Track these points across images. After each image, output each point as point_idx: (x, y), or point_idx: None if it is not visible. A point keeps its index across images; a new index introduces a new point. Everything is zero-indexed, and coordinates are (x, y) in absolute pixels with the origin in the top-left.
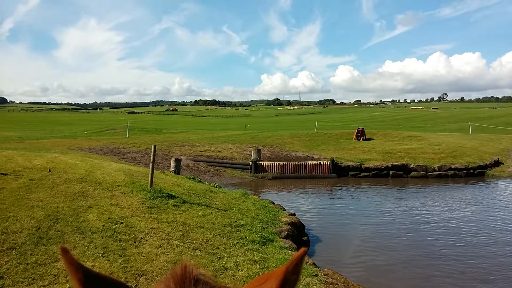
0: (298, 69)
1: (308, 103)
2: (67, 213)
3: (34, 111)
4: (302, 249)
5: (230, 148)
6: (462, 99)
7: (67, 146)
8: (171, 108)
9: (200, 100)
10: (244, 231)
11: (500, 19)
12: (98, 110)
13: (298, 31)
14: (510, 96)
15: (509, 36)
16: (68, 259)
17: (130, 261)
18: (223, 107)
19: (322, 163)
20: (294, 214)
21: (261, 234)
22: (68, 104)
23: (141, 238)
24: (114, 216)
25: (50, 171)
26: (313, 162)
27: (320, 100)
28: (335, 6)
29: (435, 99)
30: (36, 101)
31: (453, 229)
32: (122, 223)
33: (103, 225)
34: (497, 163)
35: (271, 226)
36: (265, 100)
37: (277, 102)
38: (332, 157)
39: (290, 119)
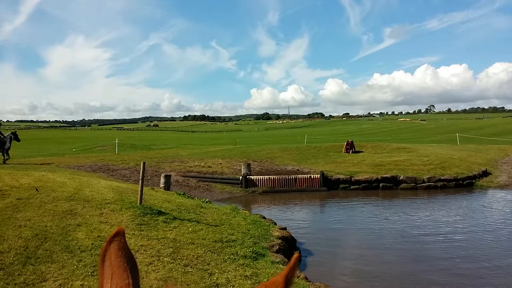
0: (287, 83)
1: (297, 116)
2: (56, 232)
3: (22, 129)
4: (296, 255)
5: (220, 163)
6: (449, 110)
7: (55, 164)
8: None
9: (190, 115)
10: (235, 247)
11: (485, 31)
12: (87, 127)
13: (286, 45)
14: (496, 107)
15: (495, 47)
16: (120, 243)
17: None
18: (212, 122)
19: (312, 177)
20: (285, 228)
21: (252, 249)
22: (56, 121)
23: None
24: (103, 234)
25: (37, 190)
26: (303, 175)
27: (309, 114)
28: (322, 20)
29: (422, 111)
30: (24, 119)
31: (445, 240)
32: None
33: (92, 243)
34: (485, 174)
35: (262, 241)
36: (254, 114)
37: (266, 116)
38: (322, 170)
39: (279, 133)
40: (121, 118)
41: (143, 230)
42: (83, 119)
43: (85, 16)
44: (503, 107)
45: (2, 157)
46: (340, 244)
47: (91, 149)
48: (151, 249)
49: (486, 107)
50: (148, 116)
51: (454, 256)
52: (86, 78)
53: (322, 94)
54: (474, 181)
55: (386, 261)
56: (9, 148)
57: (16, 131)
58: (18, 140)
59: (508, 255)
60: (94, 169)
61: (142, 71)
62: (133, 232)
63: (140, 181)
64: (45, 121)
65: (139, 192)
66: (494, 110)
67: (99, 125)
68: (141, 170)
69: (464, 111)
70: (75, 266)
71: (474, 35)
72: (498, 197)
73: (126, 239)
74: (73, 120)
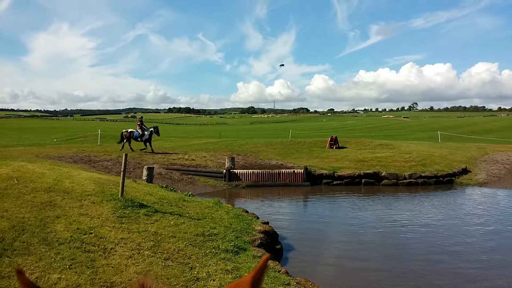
0: (273, 78)
1: (283, 111)
2: (33, 223)
3: (1, 118)
4: (265, 257)
5: (204, 156)
6: (431, 108)
7: (35, 154)
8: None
9: (174, 107)
10: (217, 240)
11: (469, 30)
12: (69, 117)
13: (273, 39)
14: (477, 106)
15: (478, 47)
16: (23, 281)
17: (98, 273)
18: (197, 115)
19: (296, 171)
20: (267, 223)
21: (234, 243)
22: (37, 111)
23: (111, 249)
24: (82, 226)
25: (16, 180)
26: (287, 170)
27: (294, 109)
28: (310, 16)
29: (405, 108)
30: (4, 108)
31: (426, 235)
32: (91, 233)
33: (71, 236)
34: (465, 171)
35: (244, 235)
36: (240, 108)
37: (251, 110)
38: (306, 165)
39: (264, 127)
40: (105, 108)
41: (123, 223)
42: (66, 109)
43: (70, 3)
44: (484, 106)
45: (145, 146)
46: (322, 238)
47: (73, 139)
48: (131, 242)
49: (467, 106)
50: (132, 107)
51: (434, 251)
52: (70, 67)
53: (308, 89)
54: (454, 178)
55: (367, 255)
56: (146, 140)
57: (158, 126)
58: (158, 134)
59: (485, 249)
60: (75, 160)
61: (128, 62)
62: (113, 224)
63: (122, 173)
64: (26, 110)
65: (120, 184)
66: (475, 109)
67: (81, 115)
68: (123, 162)
69: (446, 109)
70: (52, 259)
71: (459, 35)
72: (477, 194)
73: (107, 231)
74: (55, 110)
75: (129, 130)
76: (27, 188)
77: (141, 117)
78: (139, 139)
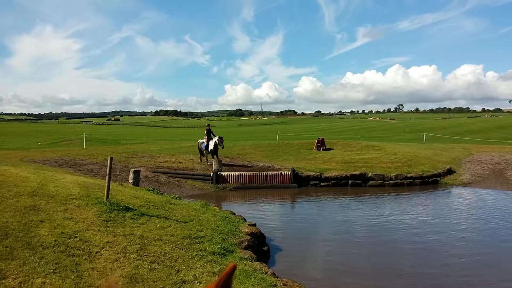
0: (261, 80)
1: (270, 113)
2: (17, 228)
3: None
4: (231, 264)
5: (191, 159)
6: (417, 110)
7: (19, 158)
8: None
9: (161, 110)
10: (204, 243)
11: (454, 33)
12: (54, 120)
13: (261, 42)
14: (461, 107)
15: (463, 49)
16: None
17: (83, 277)
18: (184, 117)
19: (283, 173)
20: (254, 225)
21: (221, 245)
22: (21, 114)
23: (96, 253)
24: (67, 230)
25: None
26: (275, 172)
27: (281, 111)
28: (297, 18)
29: (391, 110)
30: None
31: (412, 234)
32: (76, 237)
33: (55, 240)
34: (449, 172)
35: (231, 237)
36: (228, 110)
37: (239, 113)
38: (293, 167)
39: (252, 129)
40: (91, 112)
41: (109, 227)
42: (51, 112)
43: (54, 5)
44: (468, 108)
45: (212, 157)
46: (310, 240)
47: (58, 143)
48: (117, 246)
49: (452, 107)
50: (119, 110)
51: (420, 249)
52: (55, 69)
53: (296, 91)
54: (439, 179)
55: (354, 256)
56: (212, 151)
57: (222, 137)
58: (222, 146)
59: (469, 247)
60: (60, 163)
61: (114, 64)
62: (98, 228)
63: (107, 176)
64: (10, 114)
65: (105, 188)
66: (460, 110)
67: (67, 118)
68: (108, 165)
69: (432, 110)
70: (36, 263)
71: (444, 37)
72: (461, 194)
73: (92, 235)
74: (39, 113)
75: (200, 141)
76: (10, 193)
77: (208, 125)
78: (205, 151)
